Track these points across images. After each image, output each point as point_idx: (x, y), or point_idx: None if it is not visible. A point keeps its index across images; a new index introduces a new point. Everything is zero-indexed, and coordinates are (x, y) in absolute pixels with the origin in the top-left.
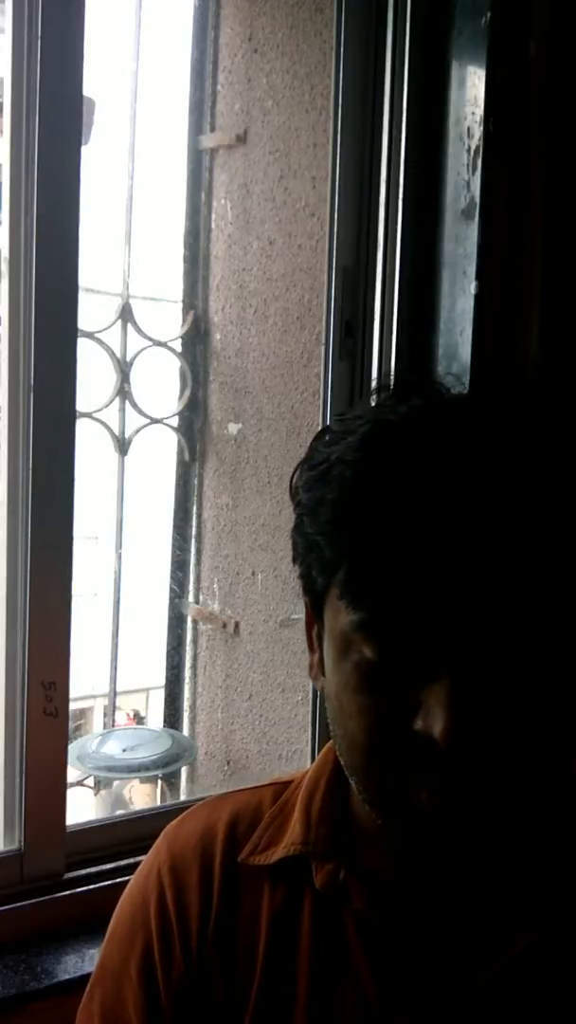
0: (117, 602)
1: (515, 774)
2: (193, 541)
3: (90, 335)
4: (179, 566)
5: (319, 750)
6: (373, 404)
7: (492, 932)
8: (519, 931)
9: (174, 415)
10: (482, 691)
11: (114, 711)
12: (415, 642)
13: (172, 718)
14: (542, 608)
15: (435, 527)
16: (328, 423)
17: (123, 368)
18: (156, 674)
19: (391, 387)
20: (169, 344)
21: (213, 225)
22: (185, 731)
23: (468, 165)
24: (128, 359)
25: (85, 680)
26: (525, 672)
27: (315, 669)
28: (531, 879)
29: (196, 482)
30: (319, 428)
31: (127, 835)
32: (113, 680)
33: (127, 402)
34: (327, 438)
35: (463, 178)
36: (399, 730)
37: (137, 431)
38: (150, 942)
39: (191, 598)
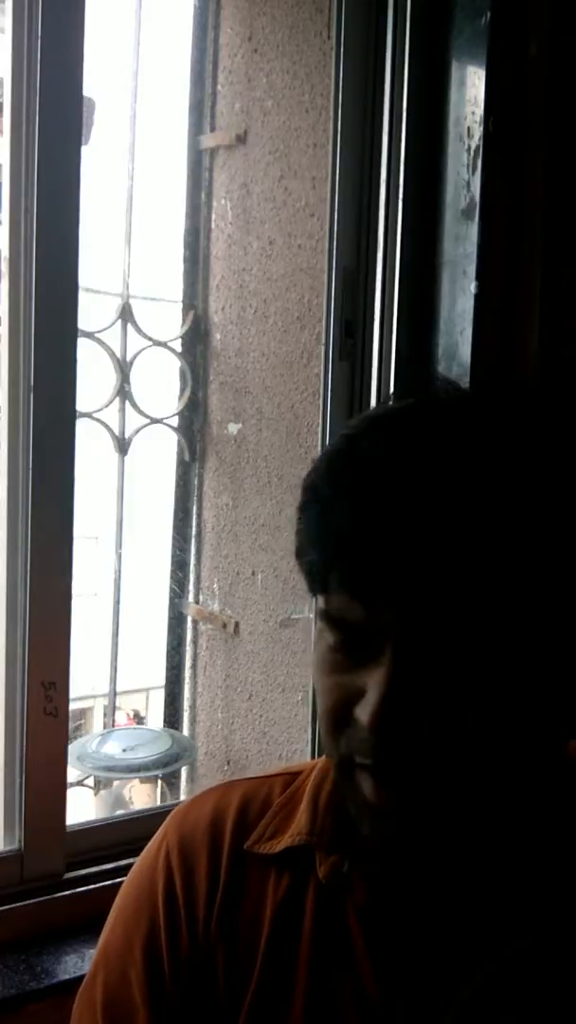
0: (117, 602)
1: (456, 766)
2: (193, 541)
3: (90, 335)
4: (179, 566)
5: (318, 750)
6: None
7: (492, 927)
8: (518, 927)
9: (174, 415)
10: (421, 681)
11: (114, 711)
12: (365, 630)
13: (172, 718)
14: (494, 601)
15: (384, 515)
16: (328, 423)
17: (123, 368)
18: (156, 674)
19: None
20: (169, 344)
21: (213, 225)
22: (185, 731)
23: (468, 165)
24: (128, 359)
25: (85, 680)
26: (471, 667)
27: None
28: (531, 874)
29: (196, 482)
30: (319, 428)
31: (127, 835)
32: (113, 680)
33: (127, 402)
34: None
35: (463, 178)
36: (348, 714)
37: (137, 431)
38: (156, 923)
39: (191, 598)
